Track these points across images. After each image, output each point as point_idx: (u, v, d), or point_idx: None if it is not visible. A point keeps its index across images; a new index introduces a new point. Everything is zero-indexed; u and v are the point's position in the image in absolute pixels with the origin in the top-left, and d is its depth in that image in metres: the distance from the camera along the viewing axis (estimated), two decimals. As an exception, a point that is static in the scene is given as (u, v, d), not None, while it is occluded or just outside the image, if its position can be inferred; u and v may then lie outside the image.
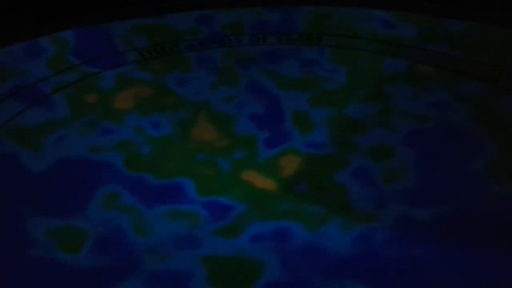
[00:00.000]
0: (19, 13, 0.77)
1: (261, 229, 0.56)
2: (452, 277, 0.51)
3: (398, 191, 0.58)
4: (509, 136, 0.61)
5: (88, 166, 0.61)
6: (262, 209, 0.58)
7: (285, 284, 0.52)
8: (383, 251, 0.54)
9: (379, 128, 0.63)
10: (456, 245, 0.53)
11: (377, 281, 0.52)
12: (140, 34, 0.74)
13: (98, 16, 0.76)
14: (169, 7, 0.76)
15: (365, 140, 0.62)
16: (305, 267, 0.53)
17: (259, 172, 0.60)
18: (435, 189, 0.58)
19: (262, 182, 0.60)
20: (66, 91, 0.68)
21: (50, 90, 0.68)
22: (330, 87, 0.67)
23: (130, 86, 0.69)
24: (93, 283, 0.52)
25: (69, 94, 0.68)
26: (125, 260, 0.54)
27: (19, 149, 0.62)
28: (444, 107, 0.64)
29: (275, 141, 0.63)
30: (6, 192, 0.59)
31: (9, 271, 0.53)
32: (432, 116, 0.64)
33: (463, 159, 0.60)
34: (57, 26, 0.74)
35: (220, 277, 0.53)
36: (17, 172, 0.60)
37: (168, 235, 0.56)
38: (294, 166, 0.61)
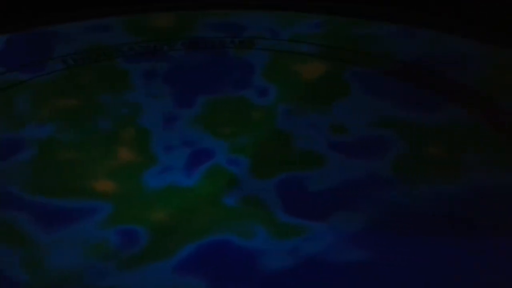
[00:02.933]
0: None
1: (188, 251, 0.53)
2: (391, 274, 0.51)
3: (329, 197, 0.57)
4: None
5: None
6: (187, 227, 0.55)
7: None
8: (321, 260, 0.52)
9: (306, 137, 0.62)
10: (394, 243, 0.53)
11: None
12: (70, 41, 0.73)
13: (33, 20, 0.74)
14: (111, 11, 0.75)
15: (292, 150, 0.61)
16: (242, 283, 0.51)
17: (183, 190, 0.58)
18: (364, 191, 0.57)
19: (187, 199, 0.57)
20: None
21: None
22: (262, 100, 0.65)
23: (54, 95, 0.65)
24: None
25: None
26: None
27: None
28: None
29: (199, 157, 0.61)
30: None
31: None
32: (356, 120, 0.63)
33: (386, 158, 0.60)
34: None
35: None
36: None
37: (72, 269, 0.51)
38: (221, 180, 0.58)
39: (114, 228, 0.55)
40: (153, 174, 0.59)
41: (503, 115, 0.62)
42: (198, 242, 0.53)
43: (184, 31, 0.73)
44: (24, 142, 0.61)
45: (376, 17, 0.71)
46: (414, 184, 0.57)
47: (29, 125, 0.63)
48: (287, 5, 0.73)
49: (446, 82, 0.65)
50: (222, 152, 0.61)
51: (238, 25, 0.73)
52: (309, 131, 0.62)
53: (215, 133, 0.62)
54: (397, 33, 0.70)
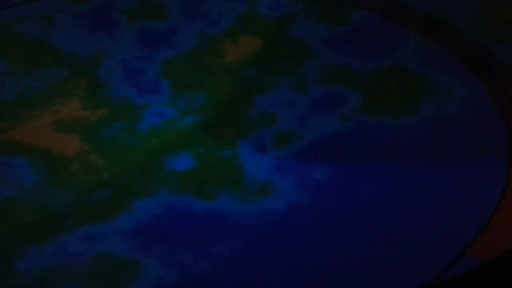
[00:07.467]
0: None
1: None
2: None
3: (290, 153, 0.54)
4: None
5: None
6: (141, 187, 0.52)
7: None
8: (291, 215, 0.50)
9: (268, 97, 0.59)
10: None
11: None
12: None
13: None
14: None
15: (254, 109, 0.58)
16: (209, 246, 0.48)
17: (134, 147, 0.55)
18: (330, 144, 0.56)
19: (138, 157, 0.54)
20: None
21: None
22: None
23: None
24: None
25: None
26: None
27: None
28: None
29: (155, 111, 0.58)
30: None
31: None
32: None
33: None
34: None
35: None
36: None
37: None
38: (176, 137, 0.56)
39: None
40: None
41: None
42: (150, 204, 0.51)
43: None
44: None
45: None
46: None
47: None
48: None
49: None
50: (176, 108, 0.58)
51: None
52: (269, 91, 0.60)
53: (174, 87, 0.59)
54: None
